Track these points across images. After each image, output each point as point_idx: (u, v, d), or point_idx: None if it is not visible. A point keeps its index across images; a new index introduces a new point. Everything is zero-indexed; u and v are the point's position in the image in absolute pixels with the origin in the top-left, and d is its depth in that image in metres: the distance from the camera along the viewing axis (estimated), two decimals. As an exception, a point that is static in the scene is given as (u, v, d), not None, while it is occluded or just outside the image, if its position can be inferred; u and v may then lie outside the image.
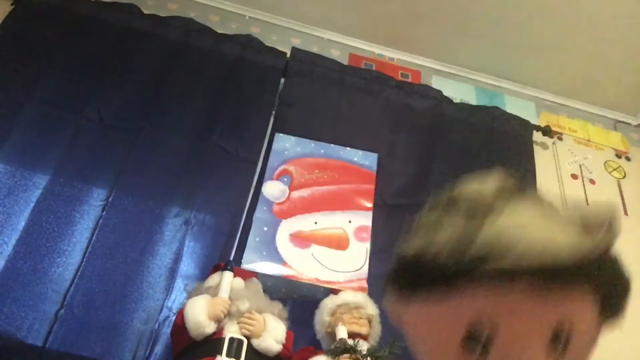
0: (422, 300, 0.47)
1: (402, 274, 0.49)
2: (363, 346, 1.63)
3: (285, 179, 2.30)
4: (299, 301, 2.04)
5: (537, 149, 2.80)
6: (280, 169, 2.33)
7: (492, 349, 0.43)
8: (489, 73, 3.08)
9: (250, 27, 2.91)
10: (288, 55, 2.71)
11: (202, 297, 1.70)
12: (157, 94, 2.40)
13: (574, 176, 2.80)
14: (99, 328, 1.80)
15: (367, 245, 2.18)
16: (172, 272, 1.97)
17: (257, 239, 2.10)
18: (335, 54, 2.92)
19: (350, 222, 2.23)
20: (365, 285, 2.05)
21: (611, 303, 0.48)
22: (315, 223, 2.20)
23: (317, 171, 2.36)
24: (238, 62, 2.61)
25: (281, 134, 2.44)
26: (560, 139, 2.94)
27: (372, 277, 2.09)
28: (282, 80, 2.65)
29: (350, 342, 1.63)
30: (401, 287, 0.50)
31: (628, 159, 2.96)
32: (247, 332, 1.65)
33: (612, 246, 0.49)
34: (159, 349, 1.82)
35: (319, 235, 2.17)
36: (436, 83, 2.97)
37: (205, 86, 2.50)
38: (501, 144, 2.71)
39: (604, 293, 0.46)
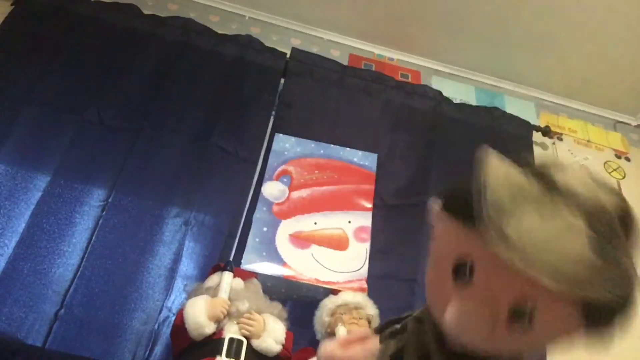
0: (454, 219, 0.56)
1: (462, 196, 0.56)
2: (363, 347, 1.63)
3: (285, 180, 2.31)
4: (299, 302, 2.05)
5: (537, 150, 2.80)
6: (280, 169, 2.33)
7: (472, 280, 0.53)
8: (488, 73, 3.08)
9: (250, 28, 2.91)
10: (288, 55, 2.71)
11: (202, 298, 1.70)
12: (157, 95, 2.40)
13: (574, 176, 2.79)
14: (98, 328, 1.80)
15: (366, 245, 2.18)
16: (172, 273, 1.97)
17: (257, 240, 2.10)
18: (335, 55, 2.92)
19: (349, 222, 2.23)
20: (365, 285, 2.05)
21: (598, 312, 0.49)
22: (315, 223, 2.20)
23: (316, 171, 2.36)
24: (238, 63, 2.61)
25: (281, 135, 2.44)
26: (560, 139, 2.94)
27: (372, 278, 2.09)
28: (282, 80, 2.65)
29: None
30: (454, 197, 0.59)
31: (628, 159, 2.96)
32: (246, 333, 1.65)
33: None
34: (158, 349, 1.82)
35: (319, 235, 2.17)
36: (436, 83, 2.97)
37: (205, 86, 2.50)
38: (501, 144, 2.71)
39: (591, 299, 0.48)
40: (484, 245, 0.49)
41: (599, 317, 0.50)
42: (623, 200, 0.54)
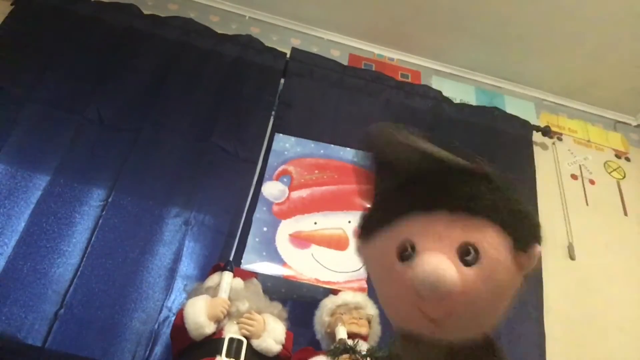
0: (372, 238, 0.67)
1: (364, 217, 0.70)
2: (362, 346, 1.62)
3: (285, 179, 2.31)
4: (299, 301, 2.04)
5: (537, 150, 2.80)
6: (280, 169, 2.33)
7: (415, 256, 0.61)
8: (488, 73, 3.08)
9: (250, 28, 2.91)
10: (288, 55, 2.71)
11: (202, 298, 1.69)
12: (157, 94, 2.40)
13: (574, 176, 2.80)
14: (98, 328, 1.80)
15: (366, 245, 2.18)
16: (172, 273, 1.97)
17: (257, 240, 2.10)
18: (335, 55, 2.92)
19: (350, 222, 2.23)
20: (365, 285, 2.05)
21: (519, 232, 0.62)
22: (315, 223, 2.20)
23: (316, 171, 2.36)
24: (238, 63, 2.61)
25: (281, 134, 2.44)
26: (560, 139, 2.94)
27: (372, 278, 2.08)
28: (282, 80, 2.65)
29: (350, 342, 1.62)
30: (362, 227, 0.70)
31: (628, 159, 2.96)
32: (246, 333, 1.65)
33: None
34: (158, 349, 1.82)
35: (319, 235, 2.17)
36: (436, 83, 2.97)
37: (205, 86, 2.50)
38: (501, 144, 2.71)
39: (508, 225, 0.61)
40: (412, 223, 0.61)
41: (521, 233, 0.62)
42: None
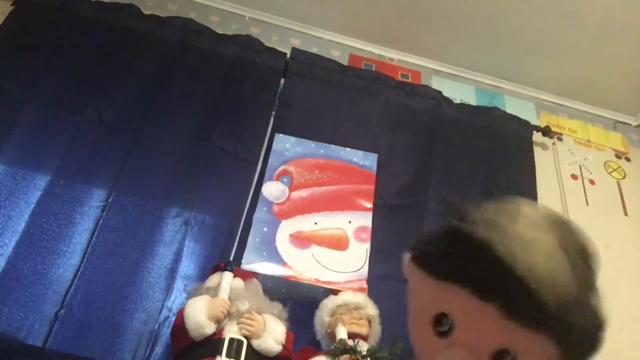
0: (426, 273, 0.59)
1: (435, 244, 0.59)
2: (363, 347, 1.63)
3: (285, 180, 2.31)
4: (299, 302, 2.04)
5: (537, 150, 2.80)
6: (280, 169, 2.33)
7: (450, 339, 0.55)
8: (489, 73, 3.08)
9: (250, 28, 2.90)
10: (288, 55, 2.71)
11: (202, 298, 1.69)
12: (157, 95, 2.40)
13: (574, 177, 2.80)
14: (98, 328, 1.80)
15: (367, 245, 2.18)
16: (172, 273, 1.97)
17: (257, 240, 2.10)
18: (335, 55, 2.92)
19: (350, 222, 2.23)
20: (365, 285, 2.05)
21: (574, 350, 0.53)
22: (315, 223, 2.20)
23: (317, 171, 2.36)
24: (238, 63, 2.61)
25: (281, 135, 2.44)
26: (560, 139, 2.94)
27: (372, 278, 2.09)
28: (282, 80, 2.65)
29: (350, 342, 1.63)
30: (424, 253, 0.61)
31: (628, 159, 2.96)
32: (247, 333, 1.65)
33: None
34: (158, 349, 1.82)
35: (319, 235, 2.17)
36: (436, 83, 2.97)
37: (205, 86, 2.50)
38: (501, 144, 2.71)
39: (566, 345, 0.52)
40: (461, 299, 0.53)
41: (575, 355, 0.53)
42: (581, 235, 0.57)
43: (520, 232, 0.53)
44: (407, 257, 0.64)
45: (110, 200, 2.07)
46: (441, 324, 0.56)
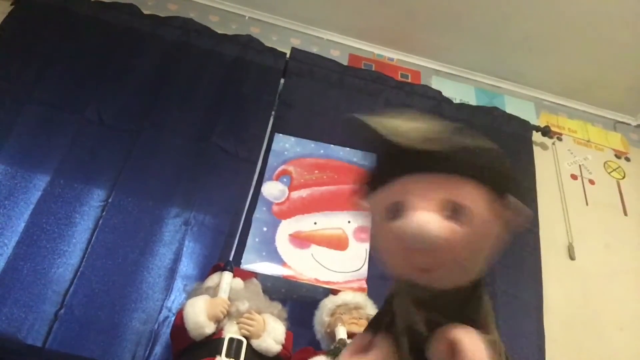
0: (371, 195, 0.78)
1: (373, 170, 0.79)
2: (362, 347, 1.62)
3: (284, 180, 2.31)
4: (299, 301, 2.04)
5: (536, 150, 2.80)
6: (279, 169, 2.33)
7: (404, 214, 0.67)
8: (488, 73, 3.08)
9: (250, 28, 2.91)
10: (288, 55, 2.71)
11: (202, 298, 1.69)
12: (157, 95, 2.40)
13: (574, 176, 2.80)
14: (98, 328, 1.80)
15: (366, 245, 2.18)
16: (172, 273, 1.97)
17: (257, 240, 2.10)
18: (335, 55, 2.92)
19: (349, 222, 2.23)
20: (365, 285, 2.06)
21: (499, 186, 0.69)
22: (315, 223, 2.20)
23: (316, 171, 2.36)
24: (238, 62, 2.61)
25: (281, 135, 2.44)
26: (559, 139, 2.94)
27: (372, 278, 2.09)
28: (282, 80, 2.65)
29: (350, 342, 1.63)
30: (364, 184, 0.80)
31: (627, 159, 2.96)
32: (246, 333, 1.65)
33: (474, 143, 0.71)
34: (158, 349, 1.82)
35: (319, 235, 2.18)
36: (436, 83, 2.97)
37: (205, 86, 2.50)
38: (501, 144, 2.68)
39: (488, 181, 0.68)
40: (400, 185, 0.69)
41: (500, 185, 0.68)
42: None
43: (400, 120, 0.73)
44: (358, 194, 0.82)
45: (110, 200, 2.07)
46: (395, 208, 0.69)
